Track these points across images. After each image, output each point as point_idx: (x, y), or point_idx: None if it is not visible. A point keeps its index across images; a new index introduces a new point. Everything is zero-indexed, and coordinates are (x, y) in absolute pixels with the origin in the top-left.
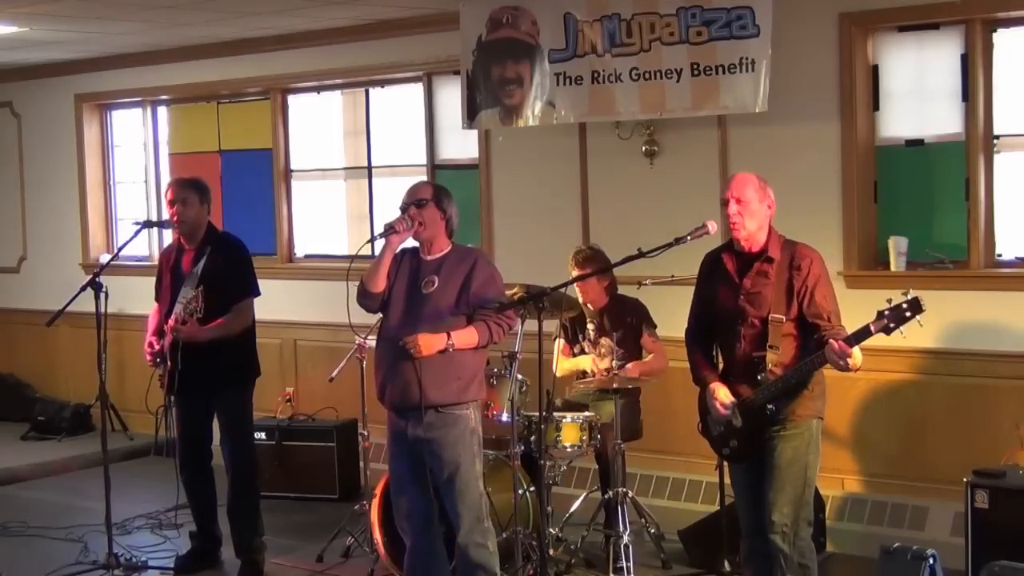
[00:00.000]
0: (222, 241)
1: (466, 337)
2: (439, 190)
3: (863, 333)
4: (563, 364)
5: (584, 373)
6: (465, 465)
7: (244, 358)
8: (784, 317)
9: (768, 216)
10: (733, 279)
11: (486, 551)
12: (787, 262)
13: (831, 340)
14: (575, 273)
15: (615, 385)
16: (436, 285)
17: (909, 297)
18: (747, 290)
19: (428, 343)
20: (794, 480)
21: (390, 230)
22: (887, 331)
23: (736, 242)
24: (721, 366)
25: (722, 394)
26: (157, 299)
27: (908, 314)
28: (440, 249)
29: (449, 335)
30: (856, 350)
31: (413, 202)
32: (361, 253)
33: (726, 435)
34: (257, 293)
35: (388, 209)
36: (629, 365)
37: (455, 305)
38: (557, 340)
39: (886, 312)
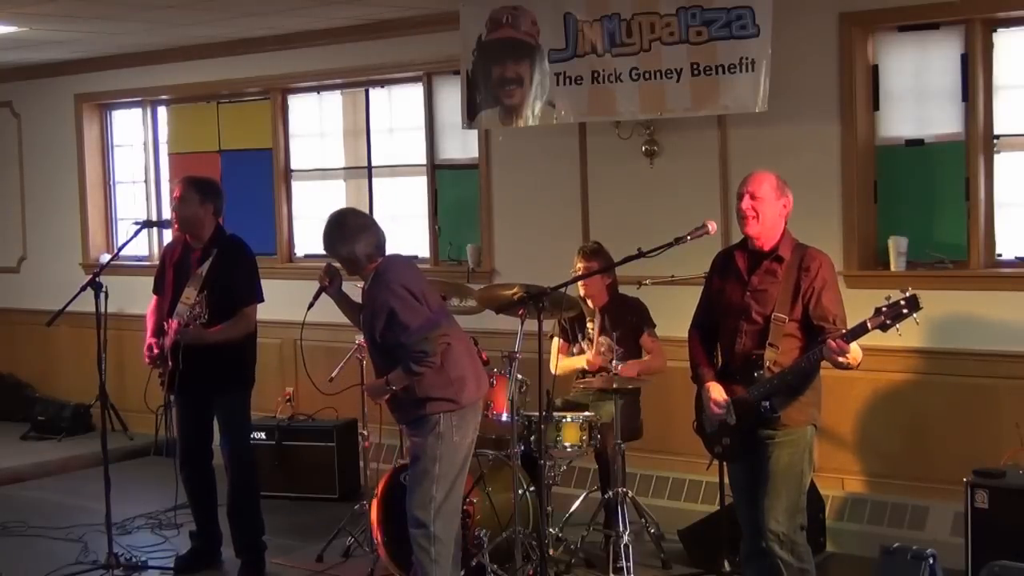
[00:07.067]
0: (228, 245)
1: (399, 379)
2: (324, 241)
3: (860, 330)
4: (561, 363)
5: (584, 372)
6: (423, 462)
7: (245, 361)
8: (787, 317)
9: (783, 216)
10: (742, 275)
11: (427, 556)
12: (797, 263)
13: (829, 338)
14: (580, 265)
15: (615, 385)
16: (363, 319)
17: (907, 294)
18: (754, 287)
19: (375, 394)
20: (790, 487)
21: (320, 291)
22: (884, 328)
23: (748, 239)
24: (720, 363)
25: (716, 393)
26: (156, 291)
27: (906, 311)
28: (368, 274)
29: (388, 381)
30: (855, 347)
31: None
32: (311, 310)
33: (720, 433)
34: (261, 299)
35: (387, 209)
36: (627, 363)
37: (374, 341)
38: (554, 338)
39: (883, 309)
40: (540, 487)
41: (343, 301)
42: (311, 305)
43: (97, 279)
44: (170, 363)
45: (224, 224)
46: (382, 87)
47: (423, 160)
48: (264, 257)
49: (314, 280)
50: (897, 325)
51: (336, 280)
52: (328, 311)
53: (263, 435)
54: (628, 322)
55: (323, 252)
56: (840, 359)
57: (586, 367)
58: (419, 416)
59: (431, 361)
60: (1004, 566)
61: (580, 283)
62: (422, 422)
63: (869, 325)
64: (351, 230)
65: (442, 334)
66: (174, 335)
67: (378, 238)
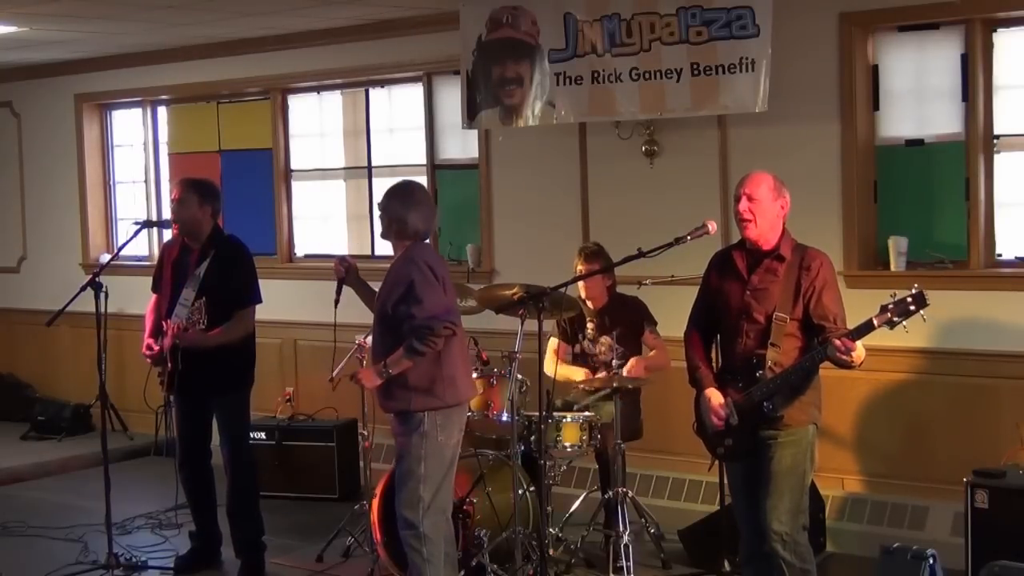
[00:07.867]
0: (226, 245)
1: (397, 361)
2: (386, 194)
3: (866, 327)
4: (561, 369)
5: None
6: (407, 462)
7: (244, 362)
8: (788, 316)
9: (781, 216)
10: (741, 274)
11: (419, 556)
12: (797, 262)
13: (834, 337)
14: (581, 267)
15: (615, 385)
16: (379, 293)
17: (914, 291)
18: (754, 286)
19: (368, 378)
20: (793, 488)
21: (340, 284)
22: (890, 325)
23: (747, 240)
24: (719, 364)
25: (715, 400)
26: (155, 290)
27: (912, 308)
28: (397, 252)
29: (385, 364)
30: (859, 345)
31: None
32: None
33: (721, 434)
34: (259, 300)
35: None
36: (631, 361)
37: (384, 316)
38: (551, 339)
39: (890, 306)
40: (540, 487)
41: (362, 287)
42: (336, 301)
43: (97, 279)
44: (169, 364)
45: (224, 224)
46: (382, 87)
47: (423, 160)
48: (264, 257)
49: (314, 280)
50: (904, 322)
51: (352, 270)
52: (328, 312)
53: (263, 435)
54: (628, 321)
55: (323, 251)
56: (844, 357)
57: (583, 380)
58: (405, 410)
59: (434, 341)
60: (1004, 566)
61: (581, 285)
62: (407, 418)
63: (875, 323)
64: (415, 200)
65: (451, 322)
66: (172, 338)
67: (429, 222)
